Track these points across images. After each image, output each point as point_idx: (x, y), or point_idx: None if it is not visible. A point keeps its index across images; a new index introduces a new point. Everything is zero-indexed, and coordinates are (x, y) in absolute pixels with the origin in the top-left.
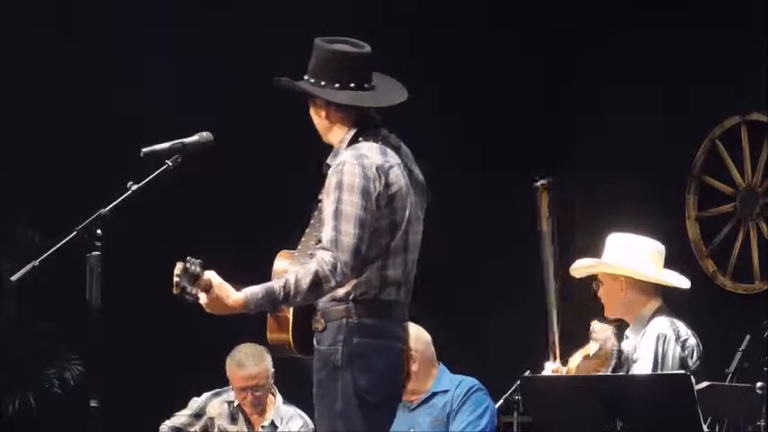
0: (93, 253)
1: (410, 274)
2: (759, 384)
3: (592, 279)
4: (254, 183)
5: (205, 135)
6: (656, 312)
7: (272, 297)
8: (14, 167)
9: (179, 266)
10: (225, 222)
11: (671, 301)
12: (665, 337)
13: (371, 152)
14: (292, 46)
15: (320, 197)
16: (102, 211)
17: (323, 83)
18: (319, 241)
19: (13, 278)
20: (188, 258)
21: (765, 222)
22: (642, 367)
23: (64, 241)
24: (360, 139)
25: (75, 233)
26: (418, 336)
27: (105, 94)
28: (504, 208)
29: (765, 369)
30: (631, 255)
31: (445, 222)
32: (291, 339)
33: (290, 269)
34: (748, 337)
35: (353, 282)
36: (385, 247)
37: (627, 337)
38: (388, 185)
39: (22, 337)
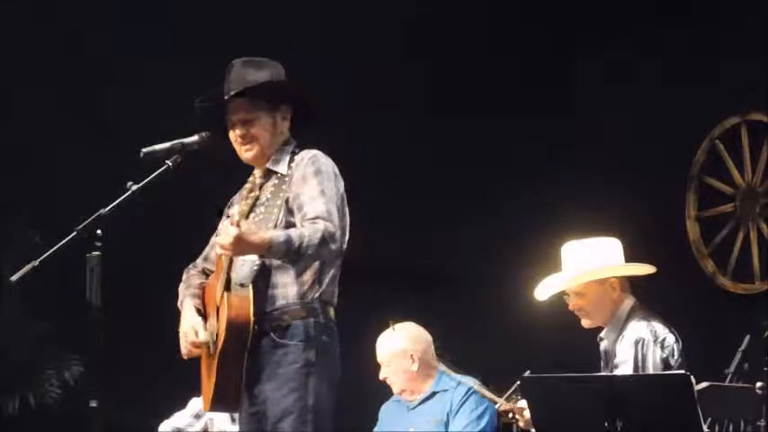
0: (93, 253)
1: None
2: (759, 384)
3: (560, 296)
4: None
5: (205, 135)
6: (631, 313)
7: (290, 244)
8: (14, 167)
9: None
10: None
11: (670, 301)
12: (644, 341)
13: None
14: (293, 46)
15: (262, 198)
16: (103, 211)
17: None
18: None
19: (13, 278)
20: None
21: (765, 222)
22: (623, 373)
23: (64, 241)
24: (299, 148)
25: (75, 233)
26: (419, 336)
27: (105, 94)
28: (506, 208)
29: (765, 369)
30: (605, 255)
31: (446, 223)
32: (253, 322)
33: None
34: (748, 337)
35: (319, 280)
36: (341, 248)
37: (602, 339)
38: (343, 187)
39: (22, 337)
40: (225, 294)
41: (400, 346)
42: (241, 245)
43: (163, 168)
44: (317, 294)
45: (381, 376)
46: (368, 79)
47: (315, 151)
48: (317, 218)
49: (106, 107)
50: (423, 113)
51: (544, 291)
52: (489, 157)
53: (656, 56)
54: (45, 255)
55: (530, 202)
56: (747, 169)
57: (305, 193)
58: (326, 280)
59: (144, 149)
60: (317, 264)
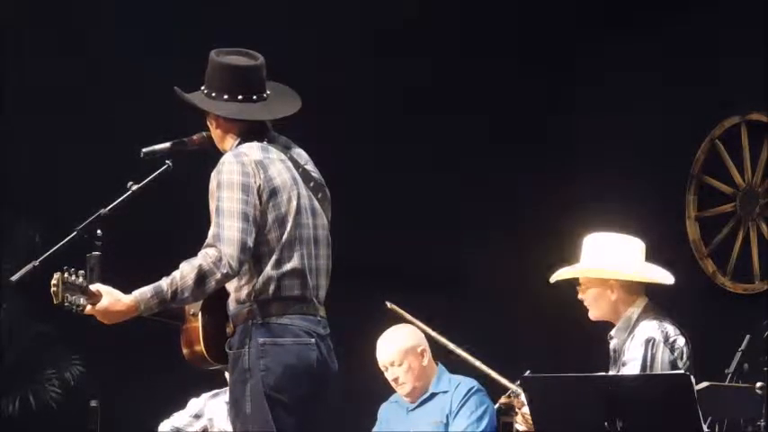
0: (93, 253)
1: (318, 269)
2: (759, 384)
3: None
4: None
5: (205, 135)
6: (643, 313)
7: (161, 296)
8: (14, 167)
9: (56, 277)
10: None
11: (669, 301)
12: (654, 341)
13: (251, 150)
14: (294, 46)
15: None
16: (103, 211)
17: (213, 94)
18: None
19: (13, 278)
20: (66, 268)
21: (765, 222)
22: (630, 371)
23: (64, 241)
24: (243, 143)
25: (75, 233)
26: (420, 333)
27: (105, 93)
28: (506, 208)
29: (765, 369)
30: (616, 255)
31: (447, 223)
32: (205, 350)
33: None
34: (748, 337)
35: (253, 281)
36: (276, 242)
37: (612, 338)
38: (269, 179)
39: (22, 337)
40: (182, 328)
41: (410, 343)
42: (108, 317)
43: (163, 168)
44: (252, 294)
45: (392, 377)
46: (368, 79)
47: (225, 156)
48: (206, 245)
49: (106, 107)
50: (423, 113)
51: (555, 276)
52: (488, 158)
53: (656, 55)
54: (45, 255)
55: (529, 202)
56: (747, 169)
57: (210, 212)
58: (260, 278)
59: (144, 149)
60: (244, 267)
